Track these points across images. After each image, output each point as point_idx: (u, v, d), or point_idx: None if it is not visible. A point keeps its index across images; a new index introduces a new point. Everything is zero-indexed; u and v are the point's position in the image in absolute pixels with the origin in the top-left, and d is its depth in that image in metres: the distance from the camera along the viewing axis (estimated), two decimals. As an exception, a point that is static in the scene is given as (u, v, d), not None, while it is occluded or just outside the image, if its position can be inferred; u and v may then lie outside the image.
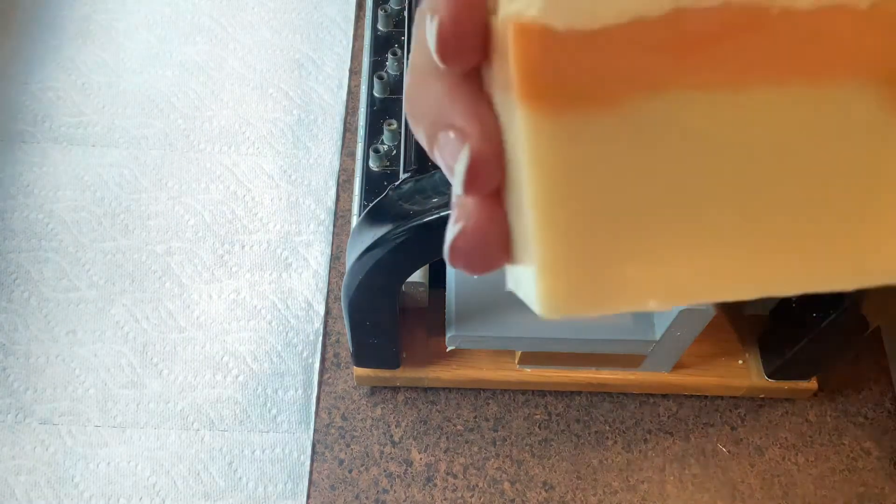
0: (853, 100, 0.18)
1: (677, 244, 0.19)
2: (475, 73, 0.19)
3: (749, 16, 0.17)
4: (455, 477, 0.53)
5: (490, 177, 0.19)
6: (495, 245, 0.20)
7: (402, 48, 0.58)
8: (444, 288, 0.50)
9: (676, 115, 0.17)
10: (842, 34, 0.17)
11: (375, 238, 0.39)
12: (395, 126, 0.55)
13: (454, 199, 0.20)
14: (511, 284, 0.22)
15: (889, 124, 0.18)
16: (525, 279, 0.20)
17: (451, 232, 0.19)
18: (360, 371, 0.54)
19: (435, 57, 0.18)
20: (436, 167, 0.36)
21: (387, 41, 0.59)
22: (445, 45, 0.18)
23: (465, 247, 0.20)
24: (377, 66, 0.58)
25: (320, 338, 0.58)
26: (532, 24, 0.16)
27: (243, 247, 0.62)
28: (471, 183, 0.18)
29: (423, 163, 0.46)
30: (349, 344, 0.51)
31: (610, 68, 0.17)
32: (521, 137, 0.17)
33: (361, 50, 0.72)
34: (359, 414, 0.55)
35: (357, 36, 0.73)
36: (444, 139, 0.19)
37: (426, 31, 0.18)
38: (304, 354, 0.58)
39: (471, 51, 0.18)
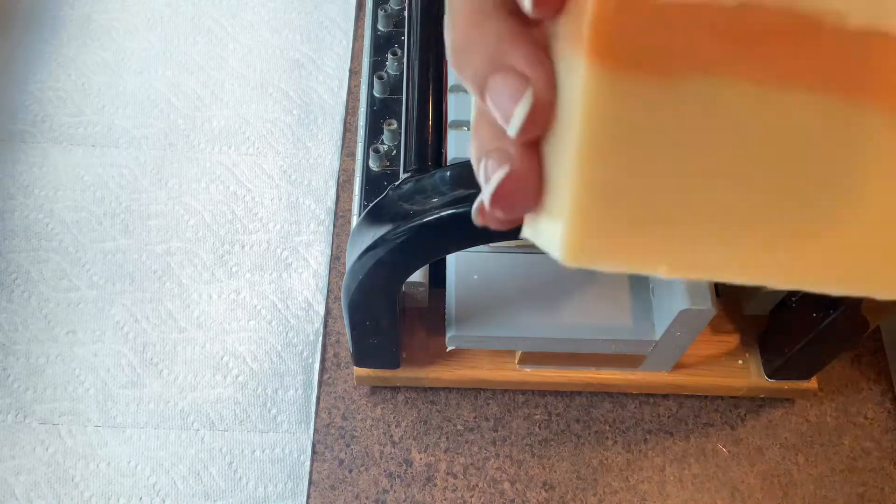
0: (880, 125, 0.19)
1: (699, 221, 0.20)
2: (535, 20, 0.20)
3: (804, 24, 0.18)
4: (455, 477, 0.53)
5: (546, 123, 0.19)
6: (534, 191, 0.20)
7: (402, 48, 0.58)
8: (444, 288, 0.50)
9: (724, 100, 0.18)
10: (880, 61, 0.18)
11: (375, 238, 0.39)
12: (395, 126, 0.55)
13: (493, 145, 0.20)
14: (527, 233, 0.23)
15: None
16: (548, 227, 0.21)
17: (498, 175, 0.20)
18: (360, 371, 0.54)
19: (527, 2, 0.18)
20: (436, 167, 0.36)
21: (387, 41, 0.59)
22: None
23: (508, 191, 0.20)
24: (377, 66, 0.58)
25: (320, 338, 0.58)
26: None
27: (243, 247, 0.62)
28: (529, 127, 0.19)
29: (423, 163, 0.46)
30: (349, 344, 0.51)
31: (676, 42, 0.18)
32: (581, 90, 0.18)
33: (361, 50, 0.72)
34: (359, 414, 0.55)
35: (357, 36, 0.73)
36: (502, 81, 0.19)
37: None
38: (304, 354, 0.58)
39: None
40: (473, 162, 0.21)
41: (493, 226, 0.21)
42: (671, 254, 0.20)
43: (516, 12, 0.20)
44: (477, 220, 0.21)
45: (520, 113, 0.19)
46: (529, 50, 0.19)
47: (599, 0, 0.17)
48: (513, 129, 0.19)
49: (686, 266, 0.20)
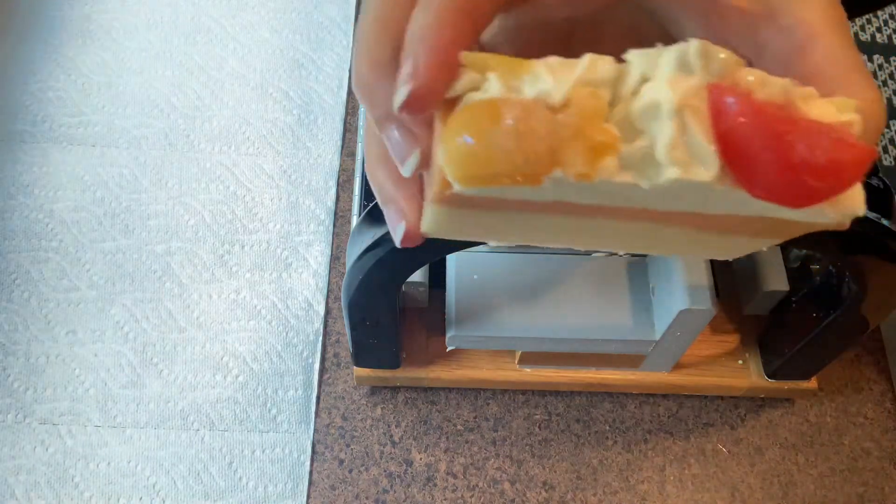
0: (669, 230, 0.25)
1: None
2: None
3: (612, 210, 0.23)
4: (455, 477, 0.53)
5: (428, 167, 0.24)
6: (419, 235, 0.26)
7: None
8: (444, 288, 0.50)
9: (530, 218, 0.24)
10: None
11: (375, 238, 0.39)
12: (395, 126, 0.54)
13: (390, 197, 0.26)
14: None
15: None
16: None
17: (399, 229, 0.26)
18: (360, 371, 0.54)
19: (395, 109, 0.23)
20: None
21: (387, 41, 0.59)
22: (412, 105, 0.22)
23: (406, 238, 0.26)
24: (377, 66, 0.58)
25: (320, 338, 0.58)
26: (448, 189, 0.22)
27: (243, 247, 0.62)
28: (417, 170, 0.24)
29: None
30: (349, 344, 0.51)
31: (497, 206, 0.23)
32: (430, 199, 0.24)
33: (361, 50, 0.72)
34: (359, 414, 0.55)
35: (357, 36, 0.73)
36: (396, 133, 0.24)
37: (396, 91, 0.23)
38: (304, 354, 0.58)
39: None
40: (375, 192, 0.27)
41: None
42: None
43: None
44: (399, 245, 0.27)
45: (410, 165, 0.24)
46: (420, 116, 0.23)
47: (438, 185, 0.22)
48: (406, 172, 0.24)
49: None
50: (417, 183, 0.25)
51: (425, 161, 0.24)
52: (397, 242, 0.26)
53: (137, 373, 0.56)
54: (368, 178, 0.27)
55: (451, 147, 0.21)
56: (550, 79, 0.21)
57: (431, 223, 0.25)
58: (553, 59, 0.21)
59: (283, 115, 0.68)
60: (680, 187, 0.21)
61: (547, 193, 0.22)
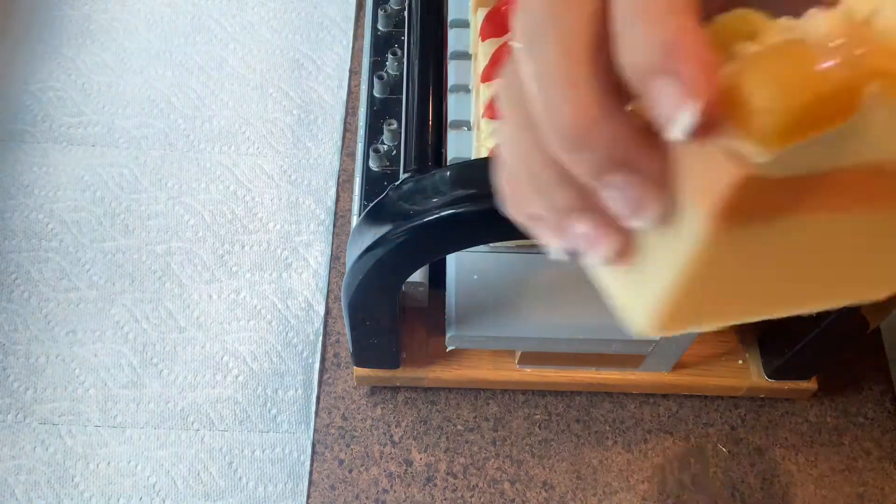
0: None
1: (753, 304, 0.24)
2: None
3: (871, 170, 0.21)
4: (455, 477, 0.53)
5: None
6: (628, 256, 0.22)
7: (402, 48, 0.58)
8: (444, 288, 0.50)
9: (802, 228, 0.22)
10: None
11: (375, 238, 0.39)
12: (395, 126, 0.55)
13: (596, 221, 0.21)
14: (614, 301, 0.26)
15: None
16: (633, 305, 0.25)
17: (599, 252, 0.22)
18: (360, 371, 0.54)
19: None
20: (436, 167, 0.36)
21: (387, 41, 0.59)
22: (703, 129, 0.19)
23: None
24: (377, 66, 0.58)
25: (320, 337, 0.58)
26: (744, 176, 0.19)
27: (243, 247, 0.62)
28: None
29: (423, 163, 0.46)
30: (349, 344, 0.51)
31: (776, 200, 0.21)
32: (695, 235, 0.21)
33: (361, 50, 0.72)
34: (359, 414, 0.55)
35: (357, 36, 0.73)
36: (622, 180, 0.20)
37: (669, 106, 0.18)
38: (304, 354, 0.58)
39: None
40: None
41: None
42: (722, 315, 0.24)
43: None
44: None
45: (645, 216, 0.20)
46: (657, 151, 0.20)
47: (730, 176, 0.19)
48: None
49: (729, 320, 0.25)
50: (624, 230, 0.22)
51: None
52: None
53: (137, 373, 0.56)
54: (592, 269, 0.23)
55: (762, 94, 0.18)
56: (824, 22, 0.19)
57: (693, 258, 0.21)
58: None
59: (283, 115, 0.68)
60: None
61: (851, 145, 0.19)
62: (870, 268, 0.24)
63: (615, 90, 0.20)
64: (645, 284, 0.23)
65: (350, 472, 0.53)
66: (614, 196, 0.20)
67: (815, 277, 0.24)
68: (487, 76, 0.46)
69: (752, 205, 0.20)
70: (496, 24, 0.47)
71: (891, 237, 0.23)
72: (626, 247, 0.22)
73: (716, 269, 0.22)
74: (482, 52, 0.47)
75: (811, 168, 0.20)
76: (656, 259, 0.22)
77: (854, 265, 0.24)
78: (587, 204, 0.21)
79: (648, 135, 0.20)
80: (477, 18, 0.50)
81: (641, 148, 0.20)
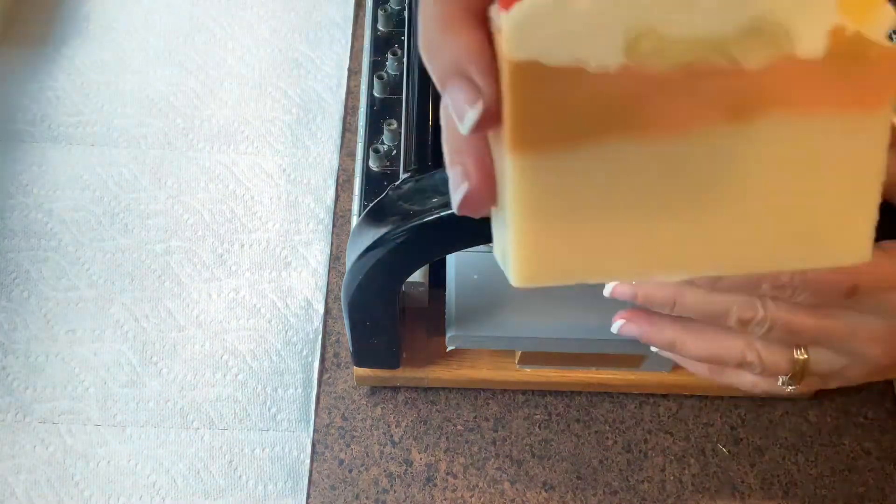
0: (759, 138, 0.24)
1: (622, 243, 0.25)
2: (492, 37, 0.24)
3: (697, 71, 0.22)
4: (455, 477, 0.53)
5: (492, 126, 0.24)
6: (489, 197, 0.26)
7: (402, 48, 0.58)
8: (444, 288, 0.50)
9: (623, 154, 0.23)
10: (773, 80, 0.23)
11: (375, 238, 0.39)
12: (395, 126, 0.54)
13: (457, 158, 0.26)
14: (497, 257, 0.28)
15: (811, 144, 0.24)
16: (501, 250, 0.27)
17: (460, 192, 0.25)
18: (360, 371, 0.54)
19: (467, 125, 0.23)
20: (436, 167, 0.36)
21: (387, 41, 0.59)
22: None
23: (468, 202, 0.26)
24: (377, 65, 0.58)
25: (320, 336, 0.58)
26: (518, 63, 0.22)
27: (242, 246, 0.62)
28: (477, 129, 0.23)
29: (423, 163, 0.46)
30: (349, 344, 0.51)
31: (573, 121, 0.23)
32: (510, 176, 0.24)
33: (361, 50, 0.72)
34: (359, 414, 0.55)
35: (356, 35, 0.73)
36: (459, 87, 0.23)
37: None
38: (304, 353, 0.58)
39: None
40: (446, 159, 0.26)
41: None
42: (600, 269, 0.26)
43: (482, 24, 0.24)
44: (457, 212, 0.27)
45: (470, 116, 0.23)
46: (486, 65, 0.23)
47: (512, 103, 0.22)
48: (464, 129, 0.23)
49: (614, 276, 0.27)
50: (486, 149, 0.25)
51: (489, 118, 0.23)
52: (456, 206, 0.25)
53: (137, 372, 0.56)
54: (444, 139, 0.27)
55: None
56: None
57: (515, 191, 0.24)
58: None
59: (283, 114, 0.68)
60: None
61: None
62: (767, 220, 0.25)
63: (474, 15, 0.24)
64: (506, 238, 0.25)
65: (350, 471, 0.53)
66: (449, 103, 0.24)
67: (694, 228, 0.25)
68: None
69: (547, 123, 0.23)
70: None
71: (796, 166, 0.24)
72: (486, 187, 0.25)
73: (550, 210, 0.24)
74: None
75: (599, 60, 0.22)
76: (505, 210, 0.25)
77: (744, 212, 0.25)
78: (467, 148, 0.26)
79: (490, 56, 0.23)
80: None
81: (475, 63, 0.23)
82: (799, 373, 0.36)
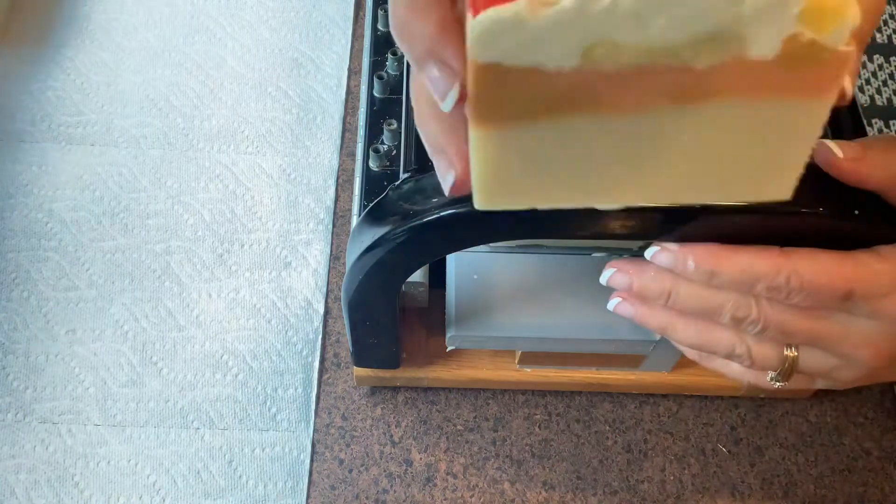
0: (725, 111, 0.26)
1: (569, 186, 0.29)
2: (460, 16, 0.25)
3: (648, 68, 0.24)
4: (455, 477, 0.53)
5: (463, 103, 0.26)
6: (468, 183, 0.29)
7: (402, 47, 0.58)
8: (444, 288, 0.50)
9: (580, 124, 0.26)
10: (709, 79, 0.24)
11: (375, 238, 0.39)
12: (395, 126, 0.54)
13: (438, 146, 0.29)
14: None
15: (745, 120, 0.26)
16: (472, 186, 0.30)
17: (448, 180, 0.29)
18: (360, 371, 0.54)
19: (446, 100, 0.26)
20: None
21: (387, 41, 0.59)
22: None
23: (458, 188, 0.29)
24: (377, 65, 0.58)
25: (320, 336, 0.58)
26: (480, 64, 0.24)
27: (242, 245, 0.62)
28: (455, 108, 0.26)
29: (423, 163, 0.46)
30: (349, 344, 0.51)
31: (531, 99, 0.25)
32: (473, 138, 0.27)
33: (360, 50, 0.72)
34: (359, 414, 0.55)
35: (356, 35, 0.73)
36: (438, 70, 0.26)
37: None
38: (304, 353, 0.58)
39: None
40: (424, 141, 0.29)
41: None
42: (547, 197, 0.29)
43: (449, 2, 0.26)
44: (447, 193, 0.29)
45: (451, 98, 0.25)
46: (458, 48, 0.25)
47: (475, 91, 0.25)
48: (446, 107, 0.26)
49: (558, 203, 0.30)
50: (464, 134, 0.27)
51: (464, 95, 0.25)
52: (446, 191, 0.29)
53: (137, 371, 0.56)
54: (419, 130, 0.29)
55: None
56: None
57: (480, 161, 0.27)
58: None
59: (282, 114, 0.68)
60: None
61: (590, 33, 0.23)
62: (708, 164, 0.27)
63: None
64: (473, 169, 0.28)
65: (350, 471, 0.53)
66: (429, 84, 0.26)
67: (630, 173, 0.28)
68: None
69: (509, 107, 0.25)
70: None
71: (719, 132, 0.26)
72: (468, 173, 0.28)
73: (515, 160, 0.27)
74: None
75: (550, 61, 0.23)
76: (472, 153, 0.28)
77: (679, 162, 0.27)
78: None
79: (460, 38, 0.25)
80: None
81: (449, 47, 0.25)
82: (788, 370, 0.36)
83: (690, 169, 0.28)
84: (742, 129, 0.26)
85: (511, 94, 0.24)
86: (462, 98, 0.25)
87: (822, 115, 0.26)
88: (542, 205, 0.29)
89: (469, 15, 0.23)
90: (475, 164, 0.28)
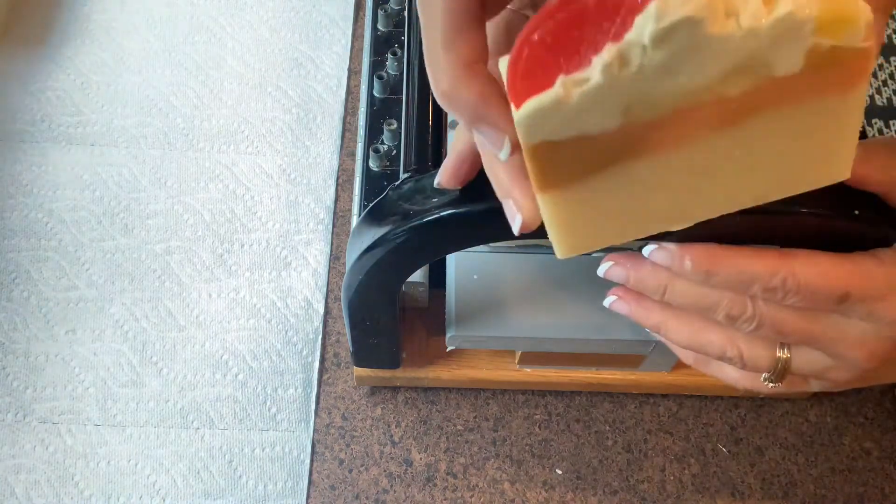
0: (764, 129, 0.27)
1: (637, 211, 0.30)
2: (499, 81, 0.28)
3: (685, 107, 0.25)
4: (455, 477, 0.53)
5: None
6: (539, 219, 0.31)
7: (402, 48, 0.58)
8: (444, 288, 0.50)
9: (638, 169, 0.28)
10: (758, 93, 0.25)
11: (375, 238, 0.39)
12: (395, 126, 0.54)
13: (498, 183, 0.32)
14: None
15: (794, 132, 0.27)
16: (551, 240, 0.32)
17: (517, 223, 0.31)
18: (360, 371, 0.54)
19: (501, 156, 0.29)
20: (436, 167, 0.36)
21: (387, 41, 0.59)
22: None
23: (526, 227, 0.31)
24: (377, 65, 0.58)
25: (320, 336, 0.58)
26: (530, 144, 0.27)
27: (242, 245, 0.62)
28: (513, 157, 0.29)
29: (423, 163, 0.46)
30: (349, 344, 0.51)
31: (584, 161, 0.27)
32: (542, 203, 0.30)
33: (361, 50, 0.72)
34: (359, 414, 0.55)
35: (356, 35, 0.73)
36: (485, 130, 0.29)
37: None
38: (304, 353, 0.58)
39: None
40: (495, 188, 0.32)
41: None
42: (621, 234, 0.31)
43: (486, 75, 0.28)
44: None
45: (505, 151, 0.29)
46: (503, 111, 0.28)
47: (531, 163, 0.27)
48: (503, 157, 0.29)
49: (633, 236, 0.31)
50: (527, 180, 0.29)
51: (517, 146, 0.27)
52: (515, 232, 0.31)
53: (137, 371, 0.56)
54: (488, 175, 0.32)
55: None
56: None
57: (550, 221, 0.30)
58: None
59: (282, 114, 0.68)
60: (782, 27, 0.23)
61: (631, 89, 0.24)
62: (770, 169, 0.29)
63: (479, 56, 0.29)
64: (547, 227, 0.31)
65: (350, 471, 0.53)
66: (483, 140, 0.29)
67: (706, 191, 0.29)
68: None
69: (565, 170, 0.27)
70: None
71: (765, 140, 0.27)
72: (535, 213, 0.31)
73: (583, 212, 0.29)
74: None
75: (593, 125, 0.25)
76: (543, 214, 0.30)
77: (737, 174, 0.29)
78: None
79: (499, 97, 0.28)
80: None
81: (491, 112, 0.28)
82: (781, 371, 0.37)
83: (748, 176, 0.28)
84: (787, 133, 0.27)
85: (564, 162, 0.27)
86: (515, 149, 0.28)
87: (860, 101, 0.27)
88: (618, 242, 0.31)
89: (512, 107, 0.26)
90: (547, 224, 0.30)
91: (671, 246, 0.34)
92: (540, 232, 0.31)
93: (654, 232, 0.31)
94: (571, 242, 0.31)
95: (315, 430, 0.55)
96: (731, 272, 0.33)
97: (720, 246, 0.34)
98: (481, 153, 0.32)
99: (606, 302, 0.39)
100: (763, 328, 0.35)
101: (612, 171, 0.27)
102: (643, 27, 0.22)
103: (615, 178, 0.28)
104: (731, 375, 0.40)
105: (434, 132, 0.49)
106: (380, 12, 0.60)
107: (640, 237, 0.32)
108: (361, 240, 0.40)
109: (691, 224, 0.31)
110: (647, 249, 0.35)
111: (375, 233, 0.39)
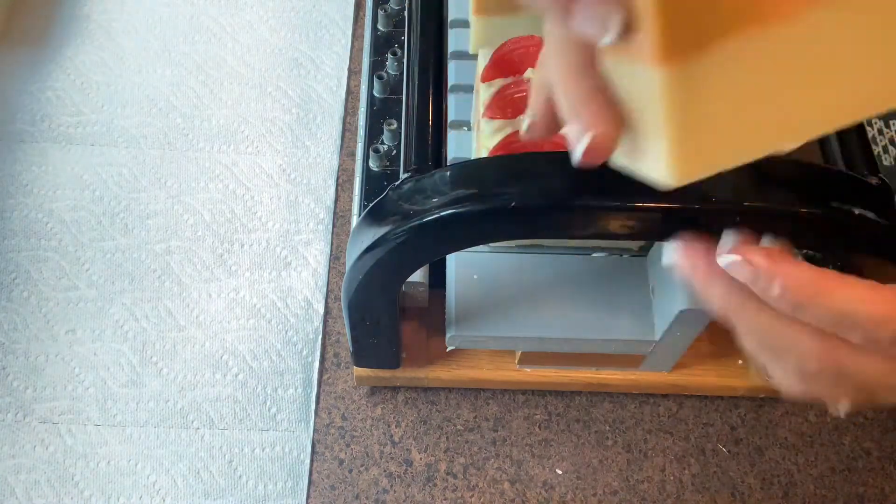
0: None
1: (761, 123, 0.27)
2: None
3: None
4: (455, 477, 0.53)
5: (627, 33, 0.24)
6: (612, 145, 0.26)
7: (402, 48, 0.58)
8: (444, 288, 0.50)
9: (758, 45, 0.25)
10: None
11: (375, 238, 0.39)
12: (395, 126, 0.54)
13: (571, 103, 0.27)
14: (621, 162, 0.29)
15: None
16: (648, 159, 0.28)
17: (584, 142, 0.26)
18: (360, 371, 0.54)
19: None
20: (436, 167, 0.36)
21: (387, 41, 0.59)
22: None
23: (595, 150, 0.26)
24: (377, 65, 0.58)
25: (320, 336, 0.58)
26: None
27: (242, 245, 0.62)
28: (596, 69, 0.26)
29: (423, 163, 0.46)
30: (349, 344, 0.51)
31: (702, 24, 0.24)
32: (652, 82, 0.25)
33: (360, 50, 0.72)
34: (359, 414, 0.55)
35: (356, 35, 0.73)
36: (592, 6, 0.24)
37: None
38: (304, 353, 0.58)
39: None
40: (559, 104, 0.27)
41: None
42: (739, 152, 0.27)
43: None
44: (577, 163, 0.27)
45: (613, 28, 0.23)
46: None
47: (655, 16, 0.23)
48: (608, 40, 0.24)
49: (752, 155, 0.27)
50: (602, 96, 0.26)
51: (628, 25, 0.24)
52: (577, 159, 0.26)
53: (137, 371, 0.56)
54: (555, 93, 0.27)
55: None
56: None
57: (669, 114, 0.25)
58: None
59: (282, 113, 0.68)
60: None
61: None
62: (874, 70, 0.26)
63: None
64: (651, 149, 0.27)
65: (350, 471, 0.53)
66: (584, 22, 0.24)
67: (812, 94, 0.27)
68: (487, 76, 0.46)
69: (691, 31, 0.24)
70: (500, 69, 0.47)
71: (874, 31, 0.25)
72: (612, 130, 0.26)
73: (697, 109, 0.26)
74: (483, 89, 0.47)
75: None
76: (647, 125, 0.26)
77: (849, 71, 0.26)
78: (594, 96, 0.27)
79: None
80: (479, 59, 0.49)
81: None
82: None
83: (858, 77, 0.26)
84: (884, 13, 0.25)
85: (688, 17, 0.24)
86: (626, 30, 0.24)
87: None
88: (731, 162, 0.27)
89: None
90: (665, 126, 0.26)
91: (761, 260, 0.27)
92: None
93: (768, 150, 0.27)
94: (688, 154, 0.26)
95: (315, 430, 0.55)
96: (830, 313, 0.26)
97: (822, 272, 0.27)
98: (551, 63, 0.27)
99: (666, 257, 0.32)
100: (843, 385, 0.28)
101: (729, 49, 0.25)
102: None
103: (731, 59, 0.25)
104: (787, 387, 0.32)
105: (434, 132, 0.49)
106: (380, 12, 0.60)
107: (753, 156, 0.27)
108: (361, 240, 0.40)
109: (802, 143, 0.27)
110: (725, 259, 0.29)
111: (375, 233, 0.39)
